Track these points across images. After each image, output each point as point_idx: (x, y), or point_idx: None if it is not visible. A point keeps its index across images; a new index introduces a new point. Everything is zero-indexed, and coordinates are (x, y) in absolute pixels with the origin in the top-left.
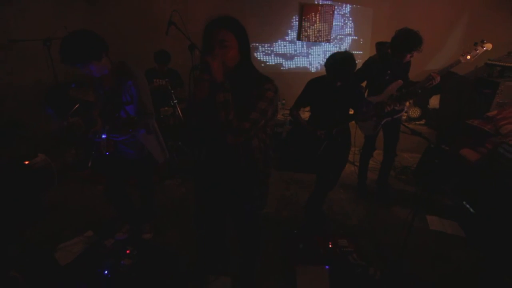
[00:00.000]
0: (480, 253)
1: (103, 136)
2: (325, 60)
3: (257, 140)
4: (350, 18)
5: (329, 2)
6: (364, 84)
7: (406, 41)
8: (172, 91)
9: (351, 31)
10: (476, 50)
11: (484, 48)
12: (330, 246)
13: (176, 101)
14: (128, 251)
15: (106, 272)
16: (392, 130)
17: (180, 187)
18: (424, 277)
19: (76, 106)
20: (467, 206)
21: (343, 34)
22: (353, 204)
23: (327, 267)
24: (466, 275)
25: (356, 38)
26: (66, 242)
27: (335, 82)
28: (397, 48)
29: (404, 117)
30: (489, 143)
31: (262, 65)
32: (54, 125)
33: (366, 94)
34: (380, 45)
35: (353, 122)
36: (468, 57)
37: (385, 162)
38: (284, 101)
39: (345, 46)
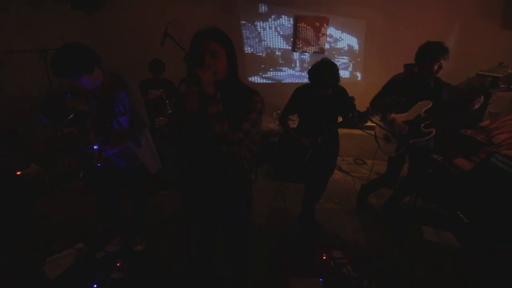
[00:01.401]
0: (475, 263)
1: (95, 147)
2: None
3: (245, 149)
4: (344, 30)
5: (323, 14)
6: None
7: (431, 50)
8: (167, 101)
9: (345, 42)
10: None
11: None
12: (324, 257)
13: (171, 111)
14: (118, 264)
15: (95, 286)
16: (418, 156)
17: (174, 198)
18: None
19: (71, 116)
20: (461, 216)
21: (337, 46)
22: (348, 215)
23: (321, 279)
24: (461, 285)
25: (350, 49)
26: (55, 254)
27: (323, 90)
28: (422, 60)
29: None
30: (482, 152)
31: (260, 75)
32: (48, 135)
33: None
34: (408, 66)
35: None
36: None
37: (401, 188)
38: (279, 111)
39: (339, 57)
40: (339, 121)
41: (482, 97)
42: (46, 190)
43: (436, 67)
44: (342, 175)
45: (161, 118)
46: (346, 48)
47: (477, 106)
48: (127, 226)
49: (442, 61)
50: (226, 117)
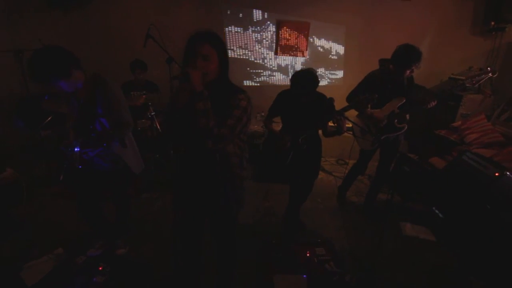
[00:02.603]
0: (449, 255)
1: (76, 149)
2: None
3: (232, 145)
4: (325, 35)
5: (305, 19)
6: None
7: (404, 56)
8: (150, 103)
9: (326, 46)
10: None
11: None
12: (307, 255)
13: (154, 113)
14: (100, 268)
15: None
16: (388, 149)
17: (157, 200)
18: (398, 281)
19: (49, 118)
20: (436, 211)
21: (318, 50)
22: (330, 213)
23: (304, 276)
24: (437, 278)
25: (330, 53)
26: (34, 260)
27: (300, 97)
28: (396, 63)
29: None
30: (455, 151)
31: (243, 78)
32: (25, 138)
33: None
34: (383, 61)
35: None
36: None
37: (375, 182)
38: (263, 113)
39: (319, 61)
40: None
41: (435, 101)
42: (23, 195)
43: (408, 72)
44: (324, 175)
45: (143, 120)
46: (327, 52)
47: (430, 106)
48: (109, 229)
49: (414, 68)
50: (213, 114)
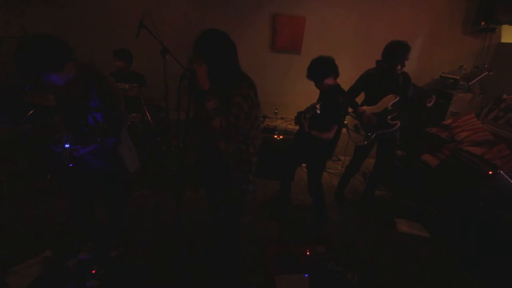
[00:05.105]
0: (444, 252)
1: (66, 145)
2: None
3: (230, 146)
4: (320, 30)
5: (300, 14)
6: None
7: (392, 52)
8: (141, 97)
9: (320, 42)
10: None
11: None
12: (308, 253)
13: (145, 107)
14: (93, 271)
15: None
16: (385, 147)
17: (150, 198)
18: (397, 278)
19: (31, 111)
20: (431, 208)
21: (313, 45)
22: (327, 210)
23: (306, 275)
24: (432, 274)
25: (325, 49)
26: (20, 264)
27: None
28: (386, 60)
29: None
30: (445, 149)
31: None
32: (4, 132)
33: (365, 106)
34: (379, 62)
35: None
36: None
37: (371, 179)
38: (276, 110)
39: (314, 56)
40: None
41: (433, 96)
42: (3, 191)
43: (399, 67)
44: None
45: (134, 114)
46: (321, 48)
47: (430, 103)
48: (102, 231)
49: (405, 61)
50: (224, 112)
